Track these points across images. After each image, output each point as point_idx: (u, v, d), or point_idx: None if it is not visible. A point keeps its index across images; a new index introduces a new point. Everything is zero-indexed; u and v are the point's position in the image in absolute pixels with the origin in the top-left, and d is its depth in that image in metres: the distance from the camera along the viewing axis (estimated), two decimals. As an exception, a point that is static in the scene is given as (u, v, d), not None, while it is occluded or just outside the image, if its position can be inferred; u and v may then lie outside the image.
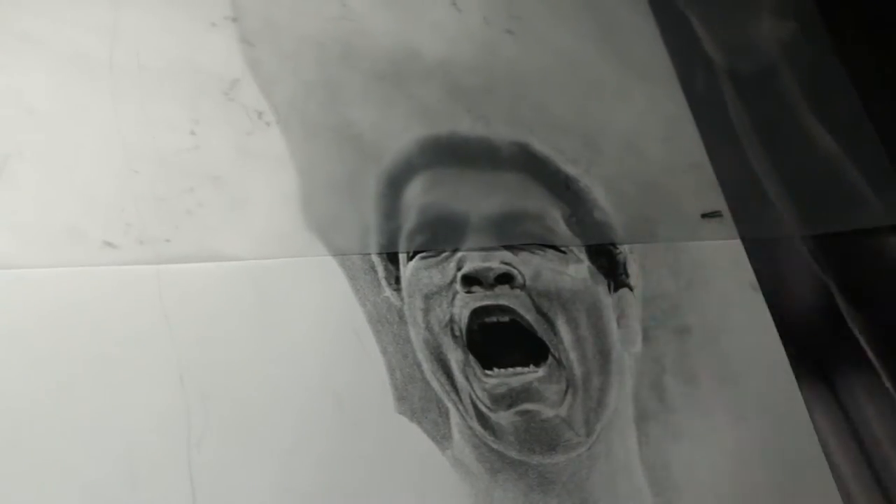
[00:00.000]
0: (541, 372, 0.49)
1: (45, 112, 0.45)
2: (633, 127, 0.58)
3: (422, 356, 0.47)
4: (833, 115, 0.64)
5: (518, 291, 0.50)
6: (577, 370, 0.50)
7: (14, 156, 0.44)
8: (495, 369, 0.48)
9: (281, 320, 0.45)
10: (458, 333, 0.48)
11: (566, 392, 0.49)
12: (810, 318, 0.57)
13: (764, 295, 0.56)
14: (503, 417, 0.47)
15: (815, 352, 0.55)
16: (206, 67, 0.50)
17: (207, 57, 0.50)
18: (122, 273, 0.43)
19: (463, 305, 0.49)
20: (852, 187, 0.52)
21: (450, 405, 0.46)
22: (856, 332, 0.55)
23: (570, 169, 0.56)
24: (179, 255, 0.45)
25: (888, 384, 0.54)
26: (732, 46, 0.66)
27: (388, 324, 0.47)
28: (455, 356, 0.48)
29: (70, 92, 0.46)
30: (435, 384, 0.46)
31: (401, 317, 0.47)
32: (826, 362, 0.55)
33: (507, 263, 0.51)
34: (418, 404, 0.46)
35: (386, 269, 0.48)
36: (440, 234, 0.51)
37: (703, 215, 0.55)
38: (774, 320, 0.55)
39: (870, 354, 0.54)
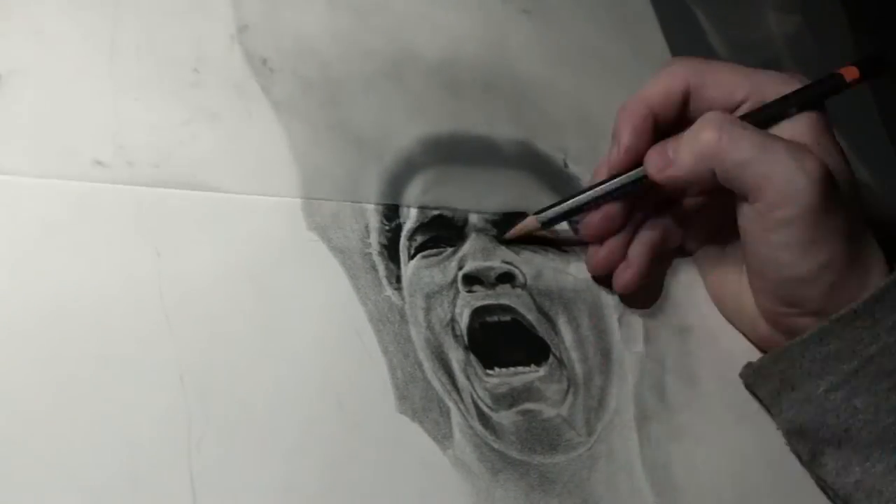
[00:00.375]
0: (542, 371, 0.49)
1: (52, 33, 0.47)
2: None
3: (423, 355, 0.47)
4: (840, 109, 0.64)
5: (519, 291, 0.50)
6: (579, 370, 0.50)
7: (18, 72, 0.45)
8: (496, 369, 0.48)
9: (281, 319, 0.45)
10: (459, 333, 0.48)
11: (567, 392, 0.49)
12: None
13: None
14: (504, 417, 0.47)
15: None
16: (216, 8, 0.51)
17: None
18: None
19: (464, 305, 0.49)
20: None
21: (451, 405, 0.46)
22: None
23: (571, 168, 0.56)
24: (168, 180, 0.46)
25: None
26: (737, 41, 0.66)
27: (389, 323, 0.47)
28: (456, 355, 0.48)
29: (79, 17, 0.48)
30: (436, 384, 0.46)
31: (402, 316, 0.47)
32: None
33: (508, 262, 0.51)
34: (419, 404, 0.45)
35: (387, 268, 0.48)
36: (441, 233, 0.50)
37: None
38: None
39: None
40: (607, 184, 0.50)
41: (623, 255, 0.52)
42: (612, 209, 0.51)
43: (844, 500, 0.49)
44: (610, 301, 0.53)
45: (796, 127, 0.49)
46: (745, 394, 0.53)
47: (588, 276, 0.53)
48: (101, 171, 0.45)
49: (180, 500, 0.39)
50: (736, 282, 0.53)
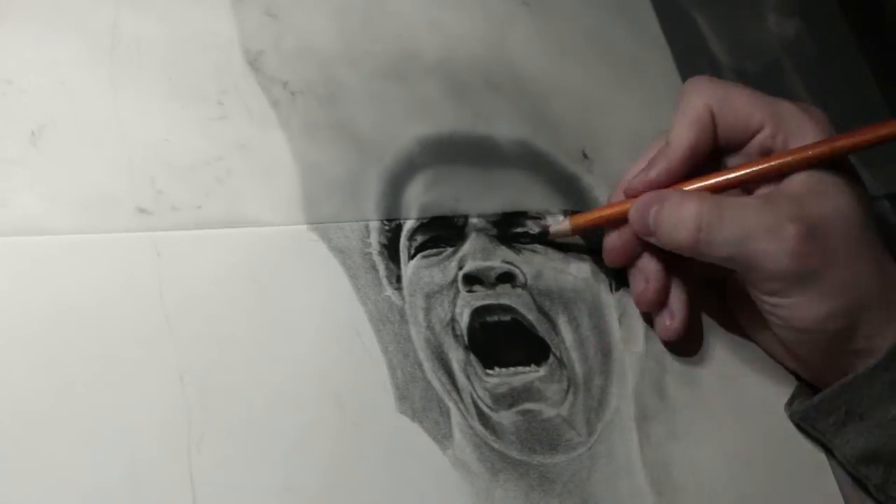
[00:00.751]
0: (542, 371, 0.49)
1: (76, 83, 0.47)
2: (635, 128, 0.58)
3: (423, 355, 0.47)
4: (840, 110, 0.64)
5: (519, 290, 0.50)
6: (579, 369, 0.50)
7: (48, 126, 0.45)
8: (496, 368, 0.48)
9: (281, 319, 0.45)
10: (459, 332, 0.48)
11: (567, 391, 0.49)
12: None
13: None
14: (504, 417, 0.47)
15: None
16: (231, 39, 0.52)
17: (233, 30, 0.52)
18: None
19: (464, 304, 0.49)
20: None
21: (451, 404, 0.46)
22: None
23: (571, 168, 0.56)
24: (211, 220, 0.46)
25: None
26: (737, 41, 0.66)
27: (389, 323, 0.47)
28: (456, 355, 0.48)
29: (100, 64, 0.48)
30: (436, 383, 0.46)
31: (402, 316, 0.47)
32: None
33: (508, 262, 0.51)
34: (419, 404, 0.46)
35: (387, 268, 0.48)
36: (441, 233, 0.50)
37: None
38: None
39: None
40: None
41: (666, 293, 0.51)
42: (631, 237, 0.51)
43: None
44: (610, 301, 0.53)
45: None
46: (745, 394, 0.53)
47: (588, 275, 0.53)
48: (145, 219, 0.45)
49: (180, 500, 0.39)
50: (761, 317, 0.51)
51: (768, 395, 0.53)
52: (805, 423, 0.52)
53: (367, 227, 0.49)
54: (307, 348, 0.45)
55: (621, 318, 0.52)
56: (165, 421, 0.41)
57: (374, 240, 0.49)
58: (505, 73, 0.58)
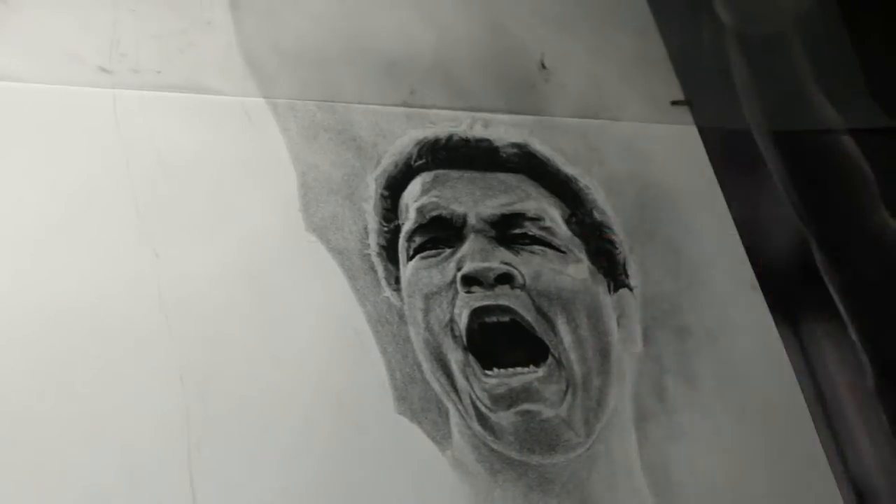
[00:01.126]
0: (541, 372, 0.49)
1: None
2: (635, 130, 0.58)
3: (422, 356, 0.47)
4: (837, 88, 0.65)
5: (518, 291, 0.50)
6: (577, 370, 0.50)
7: None
8: (495, 369, 0.48)
9: (280, 320, 0.45)
10: (458, 333, 0.48)
11: (566, 392, 0.49)
12: (788, 269, 0.58)
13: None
14: (503, 417, 0.47)
15: (788, 300, 0.56)
16: None
17: None
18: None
19: (463, 305, 0.49)
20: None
21: (450, 405, 0.46)
22: (829, 285, 0.56)
23: (569, 169, 0.56)
24: (169, 84, 0.47)
25: (854, 336, 0.55)
26: (745, 12, 0.66)
27: (387, 324, 0.47)
28: (455, 356, 0.48)
29: None
30: (435, 384, 0.46)
31: (401, 317, 0.47)
32: (797, 311, 0.56)
33: (507, 263, 0.51)
34: (418, 404, 0.46)
35: (386, 269, 0.48)
36: (440, 235, 0.51)
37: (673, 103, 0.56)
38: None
39: (840, 307, 0.55)
40: None
41: None
42: None
43: None
44: (608, 302, 0.53)
45: None
46: (744, 394, 0.53)
47: (587, 276, 0.53)
48: (107, 77, 0.45)
49: (180, 500, 0.39)
50: None
51: (766, 395, 0.53)
52: None
53: (365, 228, 0.49)
54: (306, 349, 0.45)
55: (620, 318, 0.52)
56: (165, 421, 0.41)
57: (373, 241, 0.49)
58: (505, 75, 0.58)
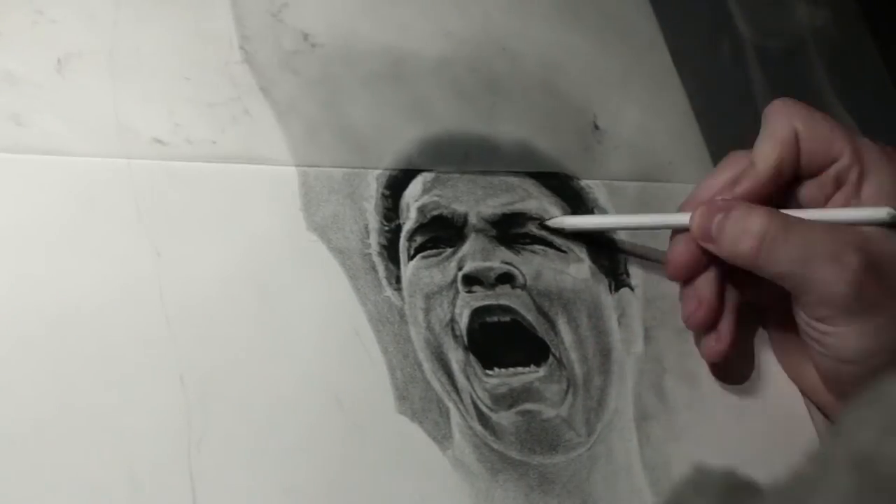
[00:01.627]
0: (541, 372, 0.49)
1: (107, 20, 0.48)
2: (639, 124, 0.58)
3: (422, 356, 0.47)
4: (857, 101, 0.65)
5: (519, 291, 0.50)
6: (578, 370, 0.50)
7: (75, 55, 0.46)
8: (496, 369, 0.48)
9: (281, 320, 0.45)
10: (458, 333, 0.48)
11: (567, 392, 0.49)
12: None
13: None
14: (504, 417, 0.47)
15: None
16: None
17: None
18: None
19: (464, 305, 0.49)
20: None
21: (450, 405, 0.46)
22: None
23: (571, 167, 0.56)
24: (225, 155, 0.47)
25: None
26: (763, 24, 0.66)
27: (388, 323, 0.47)
28: (456, 356, 0.48)
29: (130, 4, 0.49)
30: (436, 384, 0.46)
31: (402, 316, 0.47)
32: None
33: (508, 263, 0.51)
34: (419, 404, 0.46)
35: (387, 268, 0.48)
36: (441, 234, 0.51)
37: None
38: None
39: None
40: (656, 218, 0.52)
41: (717, 316, 0.51)
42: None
43: None
44: (609, 302, 0.53)
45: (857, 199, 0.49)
46: (745, 394, 0.53)
47: (588, 276, 0.53)
48: (161, 149, 0.45)
49: (180, 500, 0.39)
50: (799, 348, 0.52)
51: (767, 396, 0.53)
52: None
53: (366, 227, 0.49)
54: (306, 349, 0.45)
55: (620, 318, 0.52)
56: (165, 421, 0.41)
57: (374, 240, 0.49)
58: (505, 74, 0.58)
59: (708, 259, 0.50)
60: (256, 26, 0.52)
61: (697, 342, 0.52)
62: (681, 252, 0.51)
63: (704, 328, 0.51)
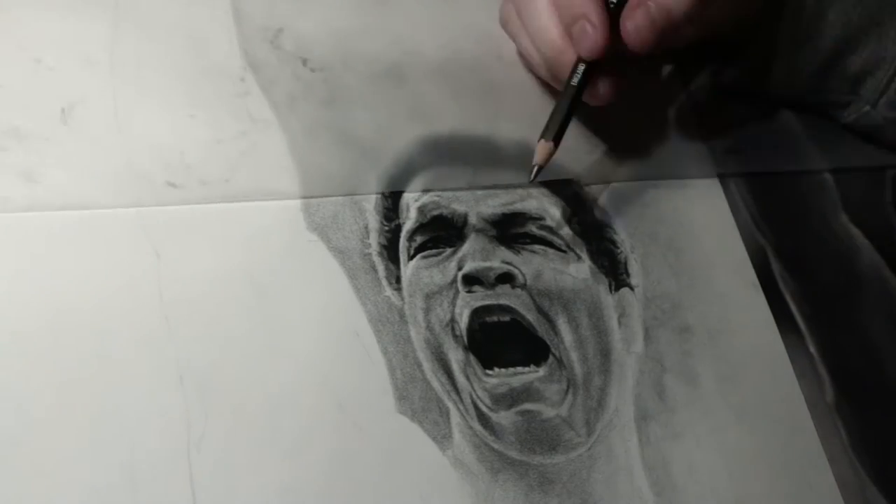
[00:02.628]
0: (541, 372, 0.49)
1: (105, 63, 0.48)
2: (635, 124, 0.58)
3: (422, 356, 0.47)
4: None
5: (519, 291, 0.50)
6: (578, 370, 0.50)
7: (78, 104, 0.47)
8: (496, 369, 0.48)
9: (281, 320, 0.45)
10: (458, 333, 0.48)
11: (567, 392, 0.49)
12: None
13: None
14: (504, 417, 0.47)
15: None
16: (251, 17, 0.53)
17: (251, 7, 0.54)
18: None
19: (464, 305, 0.49)
20: None
21: (450, 405, 0.46)
22: (787, 296, 0.56)
23: (571, 169, 0.56)
24: (239, 193, 0.47)
25: (812, 349, 0.54)
26: None
27: (388, 323, 0.47)
28: (456, 356, 0.48)
29: (125, 41, 0.50)
30: (435, 384, 0.46)
31: (401, 316, 0.47)
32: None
33: (507, 263, 0.51)
34: (419, 404, 0.46)
35: (386, 268, 0.48)
36: (441, 234, 0.51)
37: None
38: None
39: (798, 319, 0.55)
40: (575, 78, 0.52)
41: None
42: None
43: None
44: (610, 301, 0.53)
45: None
46: (745, 394, 0.53)
47: (588, 276, 0.53)
48: (176, 193, 0.45)
49: (180, 500, 0.39)
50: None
51: (768, 395, 0.53)
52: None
53: (366, 227, 0.49)
54: (306, 349, 0.45)
55: (621, 318, 0.52)
56: (165, 421, 0.41)
57: (374, 240, 0.49)
58: (506, 73, 0.58)
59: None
60: (255, 56, 0.52)
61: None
62: (606, 83, 0.52)
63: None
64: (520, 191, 0.54)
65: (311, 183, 0.49)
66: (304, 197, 0.48)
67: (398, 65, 0.55)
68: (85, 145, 0.46)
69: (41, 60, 0.47)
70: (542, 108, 0.57)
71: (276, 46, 0.53)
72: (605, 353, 0.51)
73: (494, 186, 0.53)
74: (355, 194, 0.49)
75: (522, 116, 0.56)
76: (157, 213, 0.45)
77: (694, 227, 0.57)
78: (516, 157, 0.55)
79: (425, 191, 0.51)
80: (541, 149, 0.51)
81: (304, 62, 0.52)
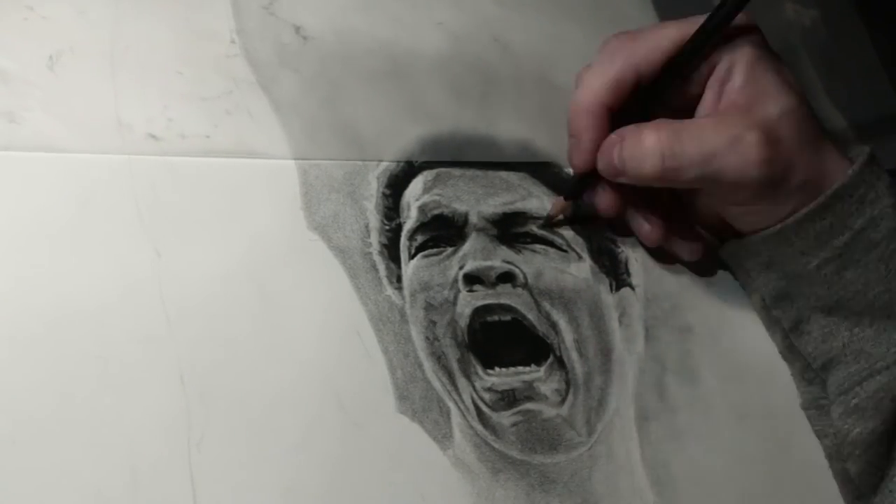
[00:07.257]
0: (542, 371, 0.49)
1: (95, 15, 0.49)
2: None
3: (423, 355, 0.47)
4: (848, 100, 0.65)
5: (520, 290, 0.50)
6: (579, 370, 0.50)
7: (66, 52, 0.47)
8: (496, 368, 0.48)
9: (282, 319, 0.45)
10: (459, 332, 0.48)
11: (567, 391, 0.49)
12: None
13: None
14: (504, 417, 0.47)
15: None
16: None
17: None
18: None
19: (465, 304, 0.49)
20: None
21: (451, 404, 0.46)
22: None
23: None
24: (218, 149, 0.47)
25: None
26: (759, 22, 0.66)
27: (389, 323, 0.47)
28: (456, 355, 0.48)
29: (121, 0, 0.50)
30: (436, 383, 0.46)
31: (402, 316, 0.47)
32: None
33: (508, 262, 0.51)
34: (419, 404, 0.45)
35: (387, 267, 0.48)
36: (442, 233, 0.50)
37: None
38: None
39: None
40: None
41: (667, 224, 0.53)
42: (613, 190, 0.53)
43: (824, 366, 0.51)
44: (610, 301, 0.53)
45: (730, 83, 0.50)
46: (746, 394, 0.53)
47: (588, 275, 0.53)
48: (155, 145, 0.46)
49: (180, 500, 0.39)
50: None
51: (768, 395, 0.53)
52: (729, 259, 0.55)
53: (367, 226, 0.49)
54: (307, 348, 0.45)
55: (621, 318, 0.52)
56: (165, 421, 0.41)
57: (375, 239, 0.49)
58: (506, 73, 0.58)
59: (630, 187, 0.52)
60: (249, 20, 0.52)
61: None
62: (605, 196, 0.53)
63: (665, 240, 0.53)
64: (521, 190, 0.54)
65: (298, 145, 0.50)
66: (284, 158, 0.49)
67: (393, 57, 0.55)
68: (69, 92, 0.46)
69: (34, 9, 0.47)
70: (538, 100, 0.57)
71: (271, 13, 0.53)
72: (606, 353, 0.51)
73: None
74: (345, 159, 0.50)
75: (523, 116, 0.56)
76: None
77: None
78: (516, 157, 0.55)
79: (426, 190, 0.51)
80: (556, 203, 0.53)
81: (297, 30, 0.53)
